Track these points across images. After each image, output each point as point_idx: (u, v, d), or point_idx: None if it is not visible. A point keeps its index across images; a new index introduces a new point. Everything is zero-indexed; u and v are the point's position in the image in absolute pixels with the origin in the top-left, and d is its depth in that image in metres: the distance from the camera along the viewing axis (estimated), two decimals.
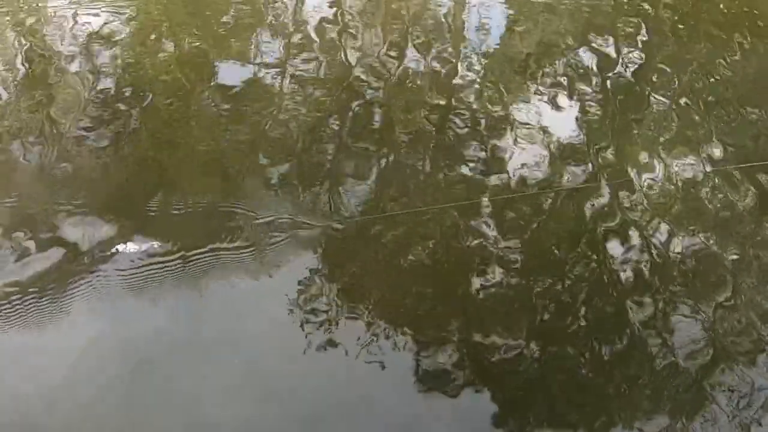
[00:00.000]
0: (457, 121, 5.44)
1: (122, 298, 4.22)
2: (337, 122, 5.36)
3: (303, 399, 3.90)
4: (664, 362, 4.18)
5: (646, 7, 6.64)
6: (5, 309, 4.14)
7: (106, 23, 5.99)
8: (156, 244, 4.45)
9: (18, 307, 4.15)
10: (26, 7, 6.16)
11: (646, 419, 3.98)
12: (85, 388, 3.87)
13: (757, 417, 4.00)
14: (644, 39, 6.29)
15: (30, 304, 4.17)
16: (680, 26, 6.46)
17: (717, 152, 5.30)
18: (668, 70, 6.02)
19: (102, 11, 6.09)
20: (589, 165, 5.17)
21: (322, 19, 6.22)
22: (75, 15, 6.06)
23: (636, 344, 4.25)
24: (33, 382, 3.88)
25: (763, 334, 4.33)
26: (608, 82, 5.88)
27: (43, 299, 4.18)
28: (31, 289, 4.21)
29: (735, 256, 4.69)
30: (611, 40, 6.26)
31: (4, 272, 4.27)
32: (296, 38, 6.04)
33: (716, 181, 5.11)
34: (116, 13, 6.08)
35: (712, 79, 5.95)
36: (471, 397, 4.02)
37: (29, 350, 4.02)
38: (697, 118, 5.61)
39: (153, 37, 5.92)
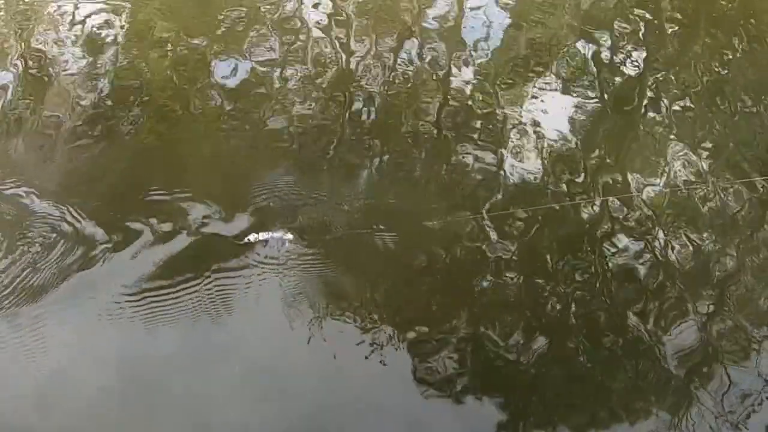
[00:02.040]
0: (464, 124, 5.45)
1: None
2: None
3: (304, 400, 3.93)
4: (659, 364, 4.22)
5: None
6: None
7: (105, 20, 6.00)
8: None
9: None
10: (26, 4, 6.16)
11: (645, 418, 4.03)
12: (85, 390, 3.92)
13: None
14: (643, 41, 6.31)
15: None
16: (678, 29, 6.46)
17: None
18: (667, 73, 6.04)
19: (102, 8, 6.10)
20: (587, 174, 5.19)
21: (324, 18, 6.23)
22: (75, 12, 6.06)
23: (635, 346, 4.29)
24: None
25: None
26: (607, 85, 5.91)
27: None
28: None
29: (731, 262, 4.73)
30: (613, 41, 6.27)
31: None
32: (298, 37, 6.04)
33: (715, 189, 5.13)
34: (116, 9, 6.10)
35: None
36: (473, 398, 4.05)
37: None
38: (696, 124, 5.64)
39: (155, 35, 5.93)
